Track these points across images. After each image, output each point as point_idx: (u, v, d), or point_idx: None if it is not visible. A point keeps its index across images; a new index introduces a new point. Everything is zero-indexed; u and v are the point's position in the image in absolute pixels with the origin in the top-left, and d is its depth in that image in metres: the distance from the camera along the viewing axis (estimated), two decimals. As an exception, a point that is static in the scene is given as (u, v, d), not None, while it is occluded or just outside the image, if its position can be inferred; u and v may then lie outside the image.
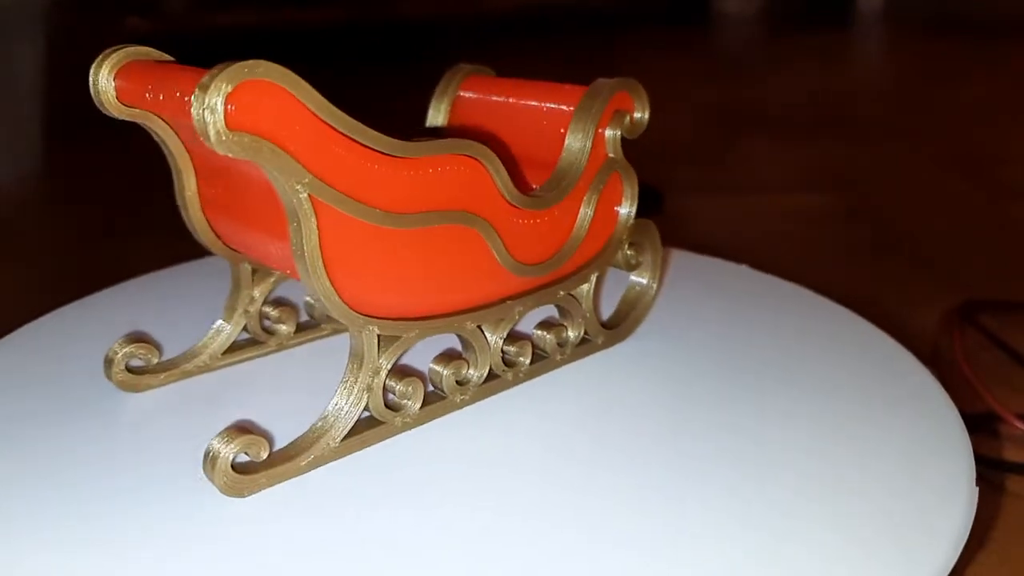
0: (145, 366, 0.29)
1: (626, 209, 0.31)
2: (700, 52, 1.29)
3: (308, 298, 0.32)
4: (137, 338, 0.29)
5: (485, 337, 0.28)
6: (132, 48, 0.25)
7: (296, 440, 0.24)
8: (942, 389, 0.29)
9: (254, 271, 0.30)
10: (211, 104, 0.20)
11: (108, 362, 0.28)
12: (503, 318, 0.28)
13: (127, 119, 0.26)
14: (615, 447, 0.26)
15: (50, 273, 0.52)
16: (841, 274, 0.50)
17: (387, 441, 0.26)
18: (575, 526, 0.22)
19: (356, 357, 0.25)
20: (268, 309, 0.31)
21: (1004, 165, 0.74)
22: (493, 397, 0.28)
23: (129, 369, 0.28)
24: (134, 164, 0.74)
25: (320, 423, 0.25)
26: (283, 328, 0.31)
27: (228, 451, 0.23)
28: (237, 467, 0.23)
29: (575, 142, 0.29)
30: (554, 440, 0.26)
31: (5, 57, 1.22)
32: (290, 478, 0.24)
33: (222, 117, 0.20)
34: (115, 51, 0.25)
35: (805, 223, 0.60)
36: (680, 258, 0.40)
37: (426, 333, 0.26)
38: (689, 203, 0.62)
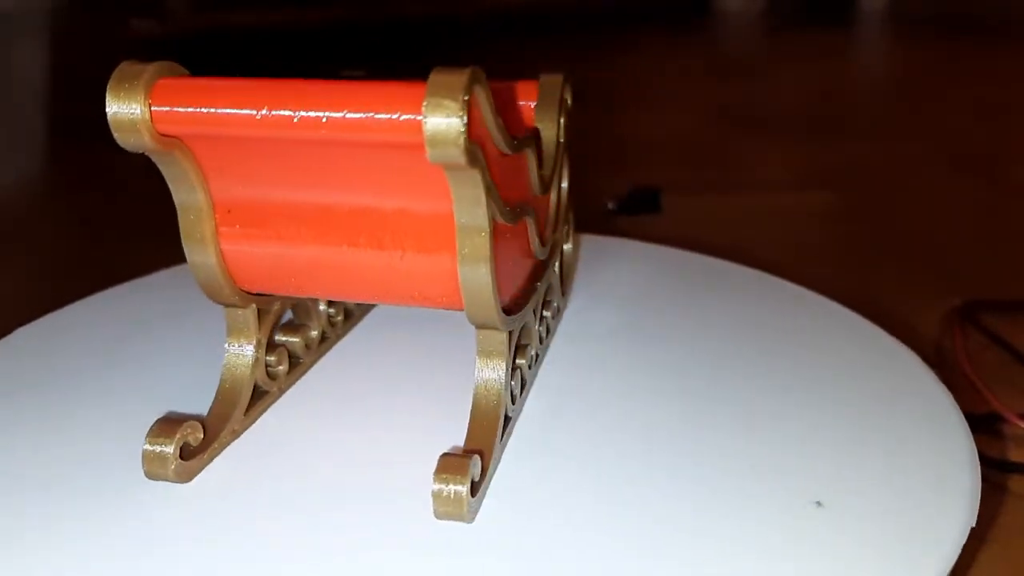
0: (193, 446, 0.25)
1: (566, 183, 0.33)
2: (701, 50, 1.29)
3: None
4: (175, 420, 0.24)
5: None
6: (155, 66, 0.22)
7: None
8: (945, 388, 0.29)
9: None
10: (455, 111, 0.19)
11: (158, 458, 0.24)
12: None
13: (147, 151, 0.22)
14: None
15: (50, 274, 0.52)
16: (841, 273, 0.50)
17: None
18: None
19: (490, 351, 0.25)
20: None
21: (1006, 164, 0.74)
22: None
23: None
24: (134, 165, 0.74)
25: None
26: (281, 369, 0.29)
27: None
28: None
29: (546, 131, 0.31)
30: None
31: (6, 58, 1.22)
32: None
33: (464, 128, 0.19)
34: (137, 71, 0.21)
35: (806, 222, 0.60)
36: (679, 257, 0.40)
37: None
38: (688, 202, 0.62)
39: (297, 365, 0.29)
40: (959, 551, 0.22)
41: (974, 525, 0.22)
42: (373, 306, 0.35)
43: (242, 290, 0.25)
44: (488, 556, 0.22)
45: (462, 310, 0.24)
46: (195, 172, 0.23)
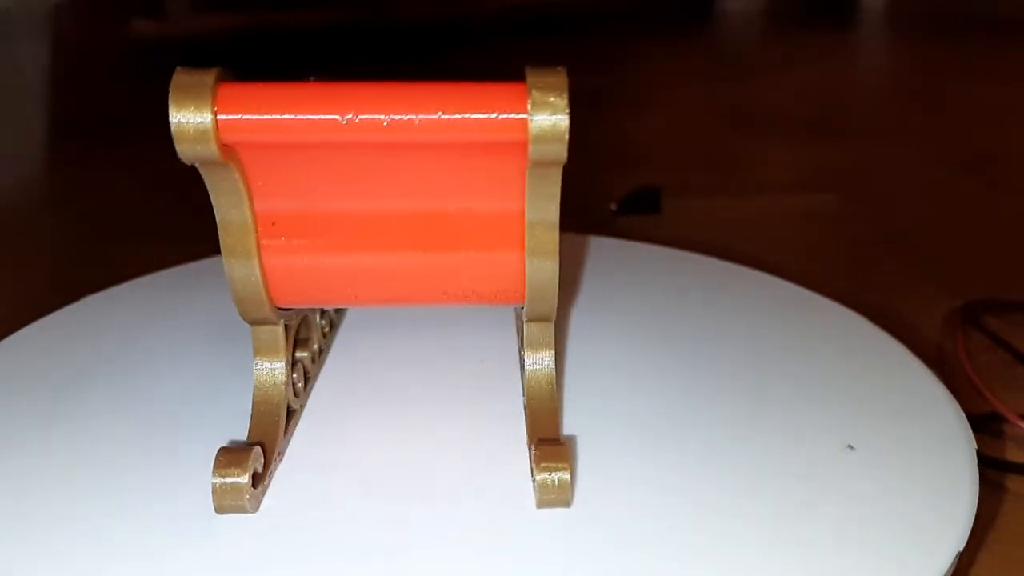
0: (258, 473, 0.24)
1: None
2: (702, 52, 1.29)
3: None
4: (239, 448, 0.23)
5: None
6: (215, 72, 0.21)
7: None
8: (946, 390, 0.29)
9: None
10: (561, 108, 0.20)
11: (232, 490, 0.22)
12: None
13: (208, 162, 0.21)
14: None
15: (51, 274, 0.52)
16: (842, 274, 0.50)
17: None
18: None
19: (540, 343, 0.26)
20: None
21: (1008, 165, 0.74)
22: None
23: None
24: (135, 166, 0.74)
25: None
26: (300, 386, 0.28)
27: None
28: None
29: None
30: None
31: (7, 59, 1.22)
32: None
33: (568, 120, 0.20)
34: (200, 77, 0.20)
35: (807, 223, 0.60)
36: (679, 259, 0.40)
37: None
38: (689, 203, 0.62)
39: (308, 379, 0.29)
40: (959, 551, 0.22)
41: (972, 525, 0.22)
42: (346, 313, 0.34)
43: (277, 306, 0.25)
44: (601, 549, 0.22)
45: (514, 304, 0.25)
46: (244, 183, 0.23)
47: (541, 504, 0.23)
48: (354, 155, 0.22)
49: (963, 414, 0.27)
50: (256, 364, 0.25)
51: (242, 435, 0.26)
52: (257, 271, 0.23)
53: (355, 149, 0.22)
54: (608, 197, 0.59)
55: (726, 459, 0.25)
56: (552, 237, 0.23)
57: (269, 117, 0.21)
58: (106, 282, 0.38)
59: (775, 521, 0.23)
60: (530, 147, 0.20)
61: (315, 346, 0.30)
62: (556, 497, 0.23)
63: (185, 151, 0.20)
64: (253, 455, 0.23)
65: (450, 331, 0.33)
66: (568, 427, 0.27)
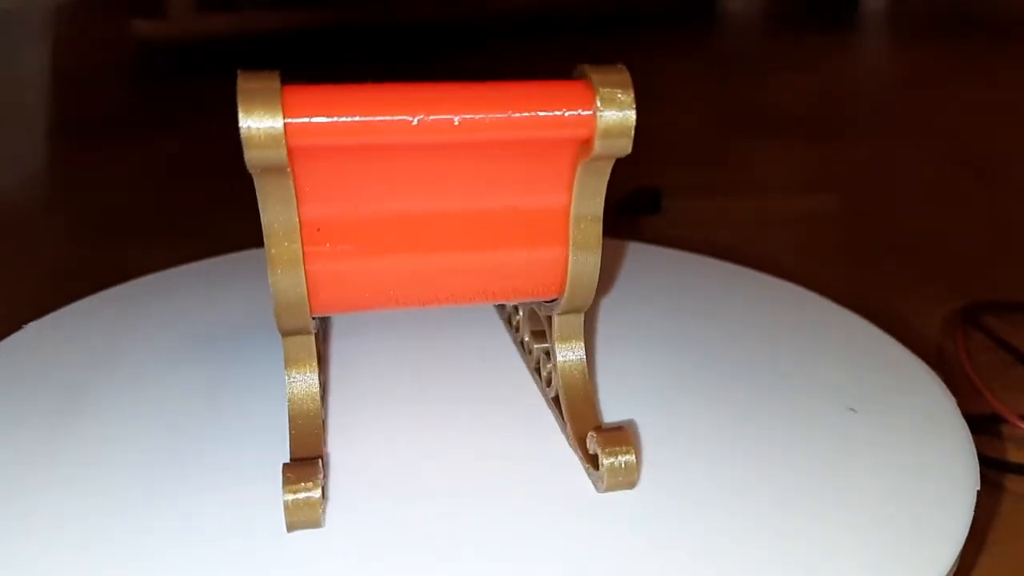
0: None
1: None
2: (703, 51, 1.29)
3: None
4: (304, 462, 0.23)
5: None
6: (271, 76, 0.20)
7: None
8: (945, 389, 0.29)
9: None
10: (628, 104, 0.21)
11: (305, 506, 0.22)
12: None
13: (274, 168, 0.20)
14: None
15: (51, 274, 0.52)
16: (842, 275, 0.50)
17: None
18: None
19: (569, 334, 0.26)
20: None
21: (1009, 165, 0.74)
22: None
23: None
24: (135, 166, 0.74)
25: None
26: (323, 394, 0.28)
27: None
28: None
29: None
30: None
31: (9, 59, 1.22)
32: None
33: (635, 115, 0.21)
34: (266, 81, 0.19)
35: (807, 224, 0.60)
36: (680, 259, 0.40)
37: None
38: (690, 204, 0.62)
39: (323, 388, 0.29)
40: (959, 552, 0.22)
41: (970, 525, 0.22)
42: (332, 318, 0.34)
43: (315, 314, 0.24)
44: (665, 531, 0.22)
45: (551, 299, 0.25)
46: (295, 189, 0.22)
47: (609, 488, 0.23)
48: (405, 156, 0.22)
49: (962, 415, 0.27)
50: (289, 378, 0.25)
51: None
52: (303, 280, 0.22)
53: (409, 150, 0.22)
54: (608, 197, 0.59)
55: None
56: (597, 230, 0.24)
57: (340, 120, 0.20)
58: (106, 282, 0.38)
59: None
60: (597, 142, 0.21)
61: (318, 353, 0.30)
62: (624, 480, 0.23)
63: (254, 158, 0.20)
64: (320, 468, 0.22)
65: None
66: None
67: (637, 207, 0.58)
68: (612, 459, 0.23)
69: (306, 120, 0.20)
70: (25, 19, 1.42)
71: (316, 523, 0.22)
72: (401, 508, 0.23)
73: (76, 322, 0.34)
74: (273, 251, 0.22)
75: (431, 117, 0.20)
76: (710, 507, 0.23)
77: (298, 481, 0.22)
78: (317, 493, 0.22)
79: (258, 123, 0.19)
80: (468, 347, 0.32)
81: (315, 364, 0.25)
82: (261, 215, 0.21)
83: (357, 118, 0.20)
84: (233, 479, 0.24)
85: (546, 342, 0.29)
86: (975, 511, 0.23)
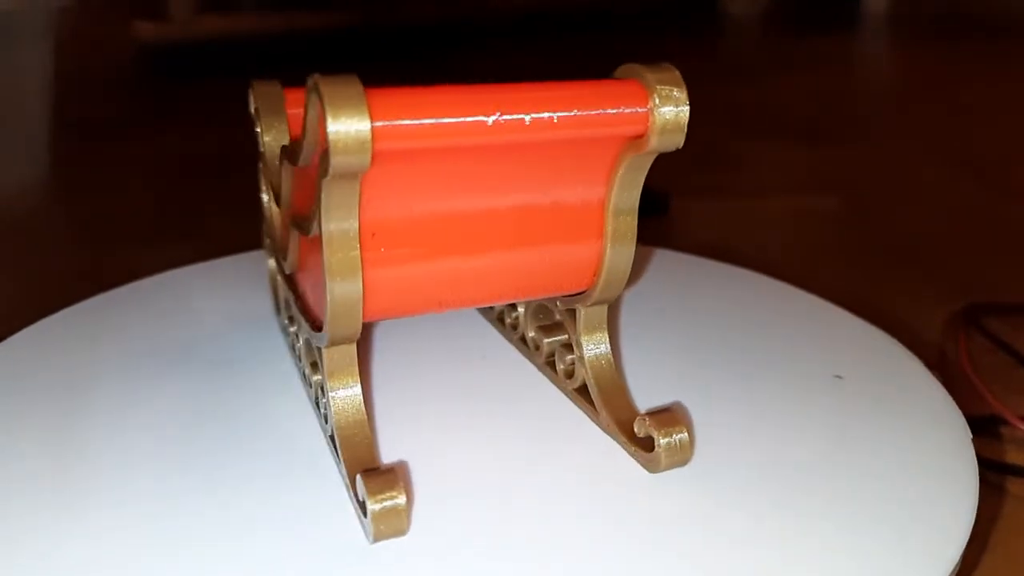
0: None
1: None
2: (704, 52, 1.29)
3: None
4: (382, 470, 0.22)
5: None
6: (350, 79, 0.20)
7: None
8: (945, 392, 0.29)
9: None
10: (683, 101, 0.22)
11: (391, 513, 0.21)
12: None
13: (357, 173, 0.20)
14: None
15: (52, 276, 0.52)
16: (843, 276, 0.50)
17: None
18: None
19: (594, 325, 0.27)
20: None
21: (1010, 166, 0.74)
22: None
23: None
24: (136, 167, 0.74)
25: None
26: None
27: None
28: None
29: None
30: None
31: (10, 60, 1.22)
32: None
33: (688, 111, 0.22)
34: (349, 83, 0.19)
35: (809, 226, 0.60)
36: (683, 261, 0.40)
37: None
38: (693, 205, 0.62)
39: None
40: (960, 555, 0.21)
41: (972, 527, 0.22)
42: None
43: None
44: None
45: (580, 292, 0.26)
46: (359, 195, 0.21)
47: (667, 467, 0.24)
48: (463, 157, 0.22)
49: (963, 417, 0.27)
50: (332, 392, 0.24)
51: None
52: (360, 288, 0.22)
53: (469, 151, 0.22)
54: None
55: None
56: (633, 223, 0.25)
57: (424, 122, 0.20)
58: (106, 283, 0.38)
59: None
60: (654, 138, 0.22)
61: None
62: (679, 458, 0.24)
63: (340, 163, 0.19)
64: (399, 475, 0.22)
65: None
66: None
67: (645, 209, 0.58)
68: (668, 439, 0.24)
69: (393, 123, 0.19)
70: (26, 20, 1.42)
71: (402, 531, 0.22)
72: (468, 509, 0.23)
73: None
74: (333, 259, 0.21)
75: (505, 117, 0.21)
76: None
77: (383, 489, 0.21)
78: (403, 500, 0.21)
79: (347, 127, 0.19)
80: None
81: (357, 374, 0.25)
82: (322, 223, 0.21)
83: (439, 120, 0.20)
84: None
85: (555, 336, 0.30)
86: (976, 512, 0.23)
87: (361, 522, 0.22)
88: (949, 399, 0.29)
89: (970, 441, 0.26)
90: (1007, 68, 1.14)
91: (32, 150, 0.83)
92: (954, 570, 0.21)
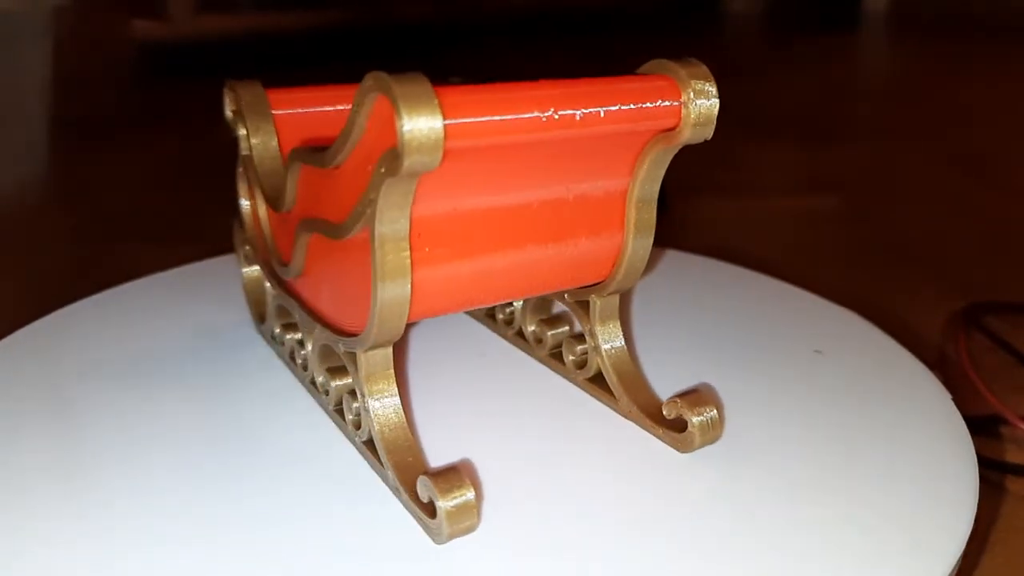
0: None
1: None
2: (704, 52, 1.29)
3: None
4: (447, 469, 0.22)
5: None
6: (418, 77, 0.19)
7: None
8: (944, 391, 0.29)
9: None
10: (714, 95, 0.23)
11: (463, 510, 0.21)
12: None
13: (426, 171, 0.19)
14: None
15: (51, 275, 0.52)
16: (843, 276, 0.50)
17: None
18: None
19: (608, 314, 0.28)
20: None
21: (1010, 166, 0.74)
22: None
23: None
24: (136, 167, 0.74)
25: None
26: None
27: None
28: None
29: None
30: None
31: (9, 59, 1.22)
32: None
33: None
34: (417, 81, 0.19)
35: (809, 225, 0.60)
36: (683, 260, 0.40)
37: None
38: (693, 205, 0.62)
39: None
40: (960, 554, 0.21)
41: (971, 527, 0.22)
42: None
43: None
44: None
45: (596, 283, 0.27)
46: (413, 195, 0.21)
47: (701, 444, 0.25)
48: (510, 153, 0.22)
49: (961, 417, 0.27)
50: (371, 397, 0.24)
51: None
52: (409, 289, 0.22)
53: (516, 147, 0.22)
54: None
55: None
56: (653, 213, 0.26)
57: (490, 119, 0.20)
58: (106, 282, 0.38)
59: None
60: (687, 130, 0.23)
61: None
62: (711, 435, 0.25)
63: (414, 163, 0.19)
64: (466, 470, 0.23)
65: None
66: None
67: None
68: (701, 417, 0.25)
69: (462, 121, 0.19)
70: (26, 20, 1.42)
71: (474, 527, 0.22)
72: (512, 506, 0.23)
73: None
74: (384, 260, 0.21)
75: (559, 113, 0.21)
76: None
77: (452, 488, 0.21)
78: (473, 495, 0.21)
79: (421, 125, 0.18)
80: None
81: (393, 377, 0.24)
82: (375, 224, 0.21)
83: (504, 117, 0.20)
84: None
85: (558, 328, 0.30)
86: (977, 511, 0.23)
87: (424, 525, 0.22)
88: (948, 398, 0.29)
89: (970, 440, 0.26)
90: (1007, 68, 1.14)
91: (32, 150, 0.83)
92: (954, 568, 0.21)
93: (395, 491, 0.23)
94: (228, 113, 0.31)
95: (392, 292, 0.21)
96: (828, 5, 1.65)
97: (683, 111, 0.23)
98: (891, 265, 0.53)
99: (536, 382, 0.30)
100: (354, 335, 0.24)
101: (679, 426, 0.26)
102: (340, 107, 0.31)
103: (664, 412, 0.26)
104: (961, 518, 0.23)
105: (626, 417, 0.28)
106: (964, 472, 0.25)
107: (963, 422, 0.27)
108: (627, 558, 0.21)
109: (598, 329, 0.28)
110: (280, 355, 0.31)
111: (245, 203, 0.32)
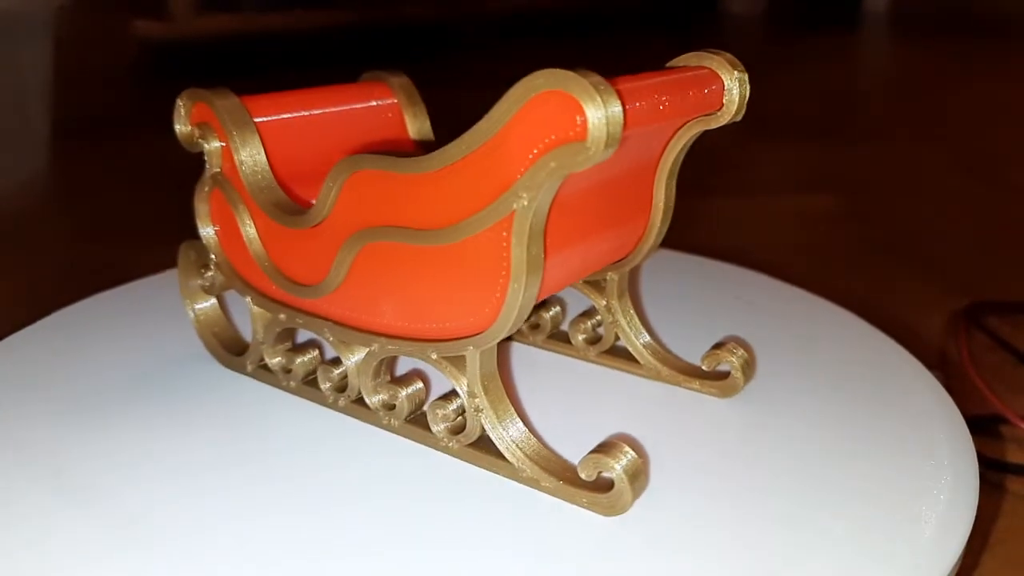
0: None
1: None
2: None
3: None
4: (606, 446, 0.23)
5: None
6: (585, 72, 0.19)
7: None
8: (944, 391, 0.29)
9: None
10: (747, 80, 0.26)
11: (636, 469, 0.22)
12: None
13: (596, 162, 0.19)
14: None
15: (52, 275, 0.52)
16: (843, 276, 0.50)
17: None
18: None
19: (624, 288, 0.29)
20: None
21: (1011, 165, 0.74)
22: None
23: None
24: (136, 167, 0.74)
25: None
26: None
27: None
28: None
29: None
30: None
31: (10, 59, 1.22)
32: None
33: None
34: (589, 75, 0.19)
35: (810, 225, 0.60)
36: (682, 261, 0.40)
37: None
38: (693, 205, 0.62)
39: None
40: (960, 553, 0.21)
41: (972, 526, 0.22)
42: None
43: None
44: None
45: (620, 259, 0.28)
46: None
47: (745, 382, 0.28)
48: (630, 140, 0.23)
49: (962, 416, 0.27)
50: (487, 395, 0.24)
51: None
52: (539, 283, 0.22)
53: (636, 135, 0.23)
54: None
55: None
56: (674, 187, 0.27)
57: (636, 106, 0.21)
58: (106, 282, 0.38)
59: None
60: (727, 114, 0.26)
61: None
62: (751, 373, 0.29)
63: (596, 154, 0.19)
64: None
65: None
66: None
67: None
68: (743, 360, 0.28)
69: (631, 109, 0.21)
70: (27, 19, 1.42)
71: (645, 486, 0.23)
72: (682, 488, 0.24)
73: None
74: (529, 256, 0.21)
75: (667, 101, 0.23)
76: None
77: (620, 455, 0.22)
78: (636, 456, 0.22)
79: (609, 116, 0.19)
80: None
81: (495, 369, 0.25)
82: (531, 220, 0.21)
83: (647, 106, 0.22)
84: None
85: (551, 310, 0.31)
86: (977, 511, 0.23)
87: (592, 503, 0.23)
88: (947, 398, 0.29)
89: (970, 440, 0.26)
90: (1007, 67, 1.14)
91: (32, 150, 0.83)
92: (955, 567, 0.21)
93: (533, 484, 0.24)
94: (183, 127, 0.29)
95: (532, 286, 0.22)
96: (828, 5, 1.65)
97: (726, 96, 0.25)
98: (891, 265, 0.53)
99: (549, 363, 0.30)
100: (445, 340, 0.24)
101: (717, 376, 0.28)
102: (316, 111, 0.30)
103: (704, 365, 0.28)
104: (961, 518, 0.23)
105: (655, 379, 0.29)
106: (964, 472, 0.25)
107: (963, 422, 0.27)
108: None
109: (615, 303, 0.29)
110: (275, 384, 0.29)
111: (210, 230, 0.29)
